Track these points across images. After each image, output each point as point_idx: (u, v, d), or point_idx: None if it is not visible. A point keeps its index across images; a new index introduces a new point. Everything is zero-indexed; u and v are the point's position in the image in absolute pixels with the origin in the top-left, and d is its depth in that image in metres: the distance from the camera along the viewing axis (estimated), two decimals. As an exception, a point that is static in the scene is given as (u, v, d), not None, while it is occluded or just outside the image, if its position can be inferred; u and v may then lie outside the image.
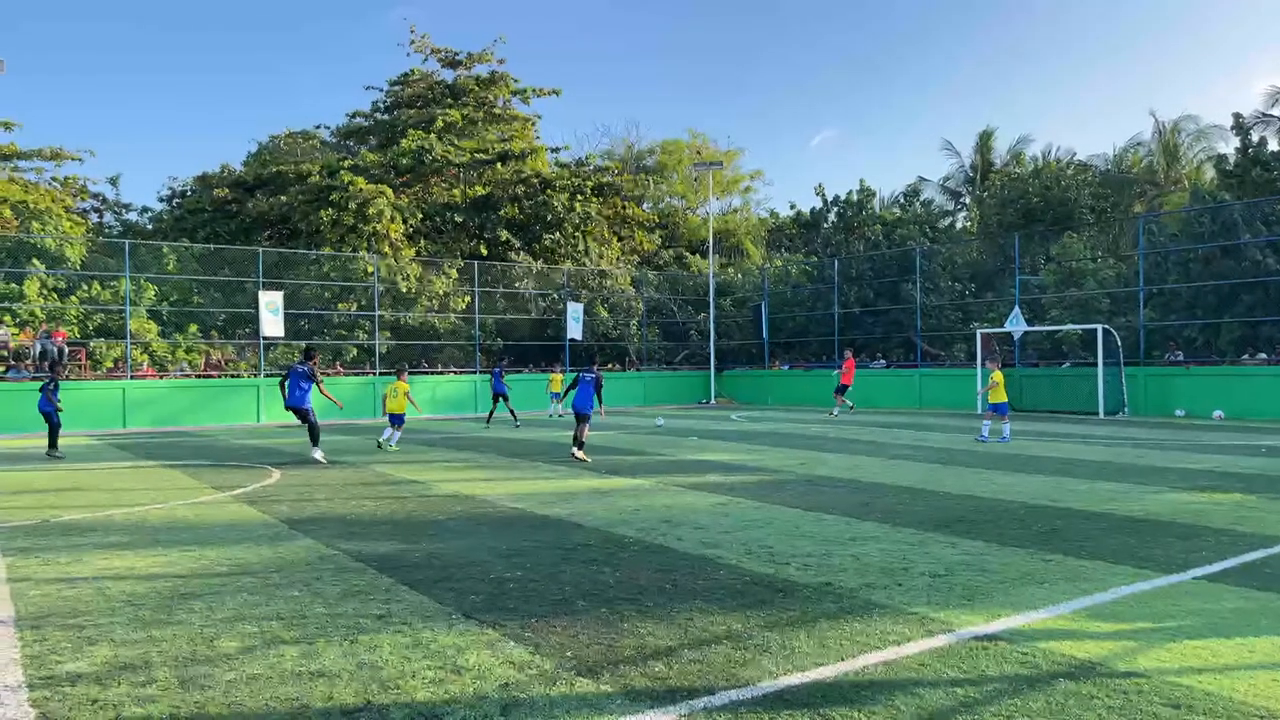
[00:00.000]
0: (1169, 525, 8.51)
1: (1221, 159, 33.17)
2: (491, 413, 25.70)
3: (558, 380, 27.86)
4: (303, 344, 31.77)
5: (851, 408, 28.29)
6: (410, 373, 33.08)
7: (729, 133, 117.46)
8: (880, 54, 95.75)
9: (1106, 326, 26.13)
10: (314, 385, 15.72)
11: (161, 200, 46.20)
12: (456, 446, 18.49)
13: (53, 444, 17.74)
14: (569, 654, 4.88)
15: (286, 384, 15.66)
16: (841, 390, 27.58)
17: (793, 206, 47.82)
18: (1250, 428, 20.89)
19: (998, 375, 17.72)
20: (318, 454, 15.56)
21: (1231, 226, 27.12)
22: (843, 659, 4.76)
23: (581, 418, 15.23)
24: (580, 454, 14.92)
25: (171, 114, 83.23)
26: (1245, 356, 26.12)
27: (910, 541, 7.86)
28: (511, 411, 25.03)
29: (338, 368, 32.46)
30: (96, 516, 9.84)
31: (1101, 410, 25.25)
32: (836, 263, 36.83)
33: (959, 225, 45.65)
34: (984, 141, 46.64)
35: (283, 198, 38.34)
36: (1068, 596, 5.97)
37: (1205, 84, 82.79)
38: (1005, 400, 17.60)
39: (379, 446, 17.64)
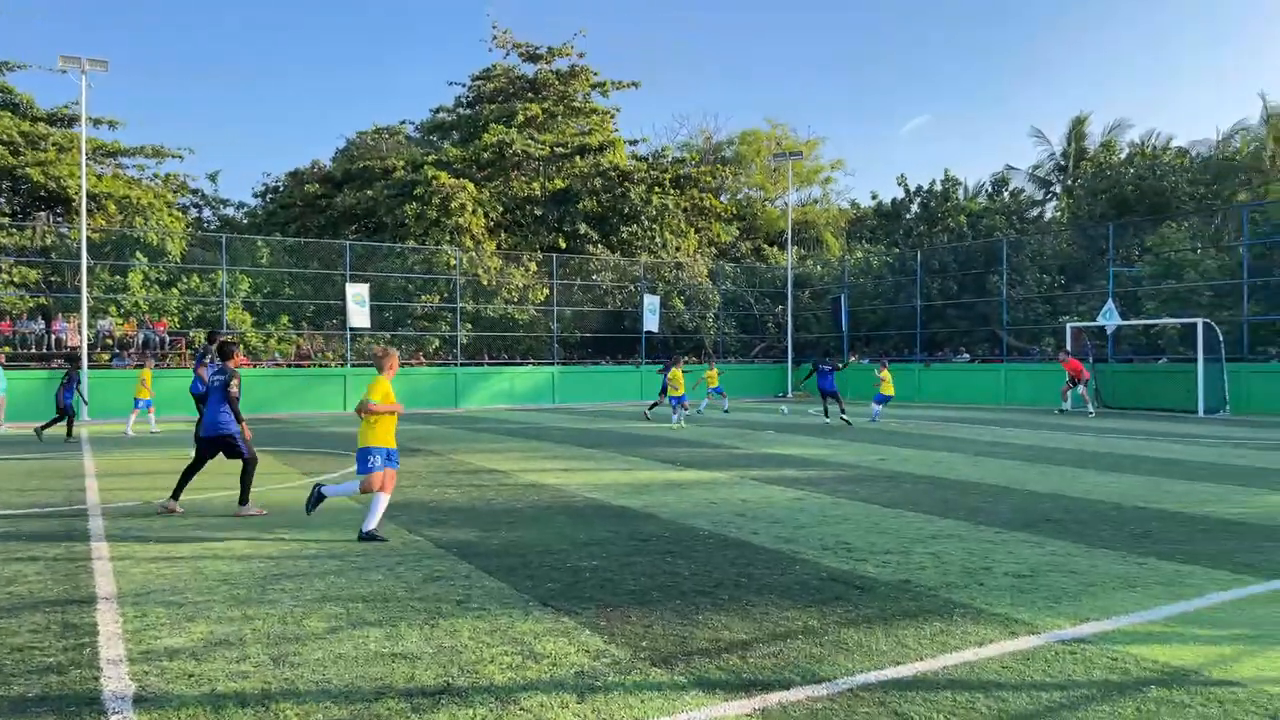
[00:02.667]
0: (1271, 529, 8.10)
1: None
2: (655, 404, 25.49)
3: (714, 376, 27.35)
4: (387, 335, 32.68)
5: (1090, 411, 24.76)
6: (490, 363, 33.73)
7: (811, 122, 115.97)
8: (972, 39, 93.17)
9: (1207, 320, 24.95)
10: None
11: (256, 196, 47.96)
12: (534, 437, 18.74)
13: (47, 427, 18.91)
14: (643, 644, 4.91)
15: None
16: (1076, 383, 24.57)
17: (874, 197, 46.95)
18: (1365, 428, 19.69)
19: (885, 373, 21.33)
20: None
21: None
22: (922, 658, 4.68)
23: (831, 395, 21.03)
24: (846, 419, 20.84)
25: (267, 112, 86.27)
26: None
27: (993, 541, 7.67)
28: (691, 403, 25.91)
29: (419, 358, 33.24)
30: (194, 499, 10.29)
31: (1201, 409, 24.14)
32: (919, 254, 36.04)
33: (1048, 215, 44.14)
34: (1077, 128, 44.84)
35: (369, 192, 39.37)
36: (1161, 601, 5.74)
37: (1319, 64, 78.01)
38: (891, 394, 21.65)
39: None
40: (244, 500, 9.16)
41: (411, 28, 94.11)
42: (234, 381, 9.14)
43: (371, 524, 7.71)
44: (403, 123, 50.37)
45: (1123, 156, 39.82)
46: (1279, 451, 14.88)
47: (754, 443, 16.91)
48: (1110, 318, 27.55)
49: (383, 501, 7.81)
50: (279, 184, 46.34)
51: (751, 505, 9.56)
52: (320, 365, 31.26)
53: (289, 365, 30.56)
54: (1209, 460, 13.66)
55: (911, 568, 6.68)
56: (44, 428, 18.94)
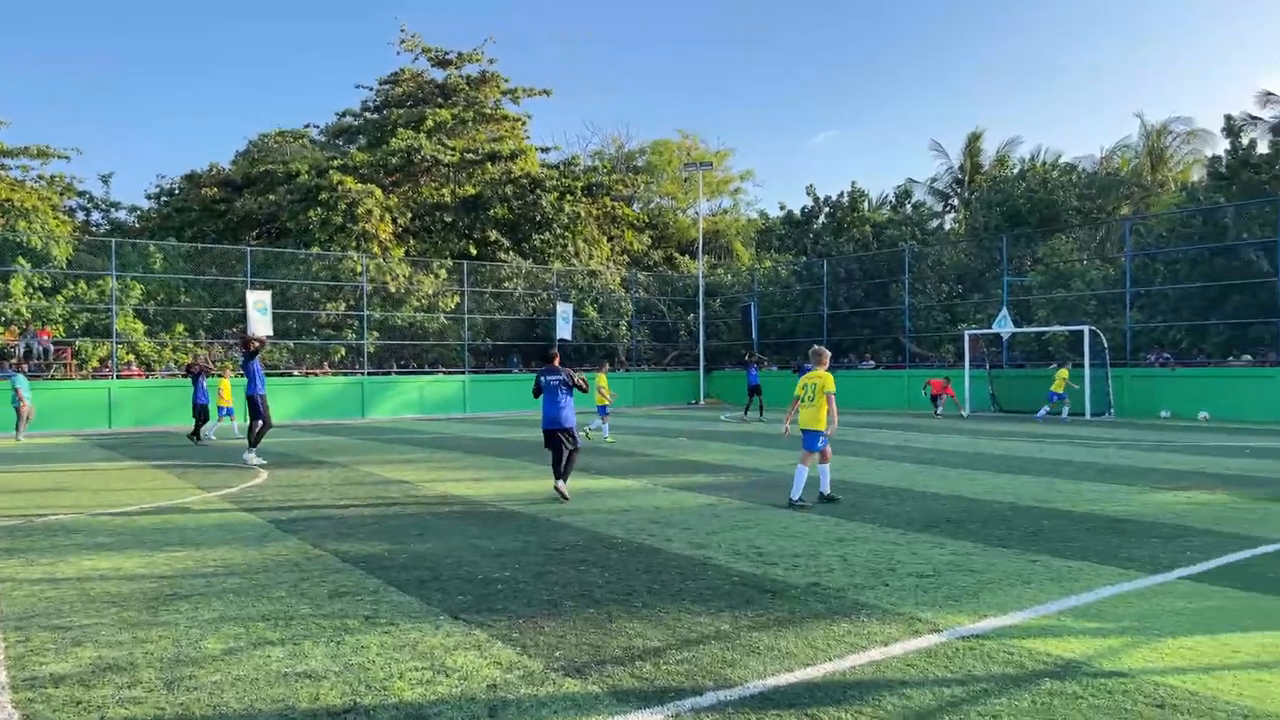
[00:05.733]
0: (1153, 526, 8.56)
1: (1215, 160, 33.05)
2: (748, 406, 27.37)
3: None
4: (291, 344, 31.70)
5: (936, 414, 27.54)
6: (398, 372, 33.08)
7: (721, 133, 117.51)
8: (878, 56, 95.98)
9: (1093, 328, 26.26)
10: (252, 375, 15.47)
11: (149, 199, 45.90)
12: (445, 447, 18.43)
13: (195, 433, 20.89)
14: (557, 654, 4.88)
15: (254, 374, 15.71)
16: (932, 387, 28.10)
17: (783, 207, 47.82)
18: (1234, 429, 21.03)
19: (1064, 372, 24.75)
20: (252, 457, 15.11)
21: (1223, 229, 27.31)
22: (830, 659, 4.77)
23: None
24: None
25: (163, 112, 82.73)
26: (1230, 358, 26.28)
27: (898, 542, 7.88)
28: (760, 406, 27.02)
29: (325, 367, 32.32)
30: (81, 517, 9.77)
31: (1088, 411, 25.38)
32: (826, 263, 36.89)
33: (947, 227, 45.76)
34: (972, 143, 46.76)
35: (271, 197, 38.12)
36: (1053, 596, 6.00)
37: (1198, 86, 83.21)
38: (1061, 390, 24.30)
39: (587, 437, 17.42)
40: (563, 478, 10.58)
41: (317, 29, 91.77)
42: (576, 378, 10.70)
43: (799, 492, 9.77)
44: (307, 126, 49.07)
45: (1015, 171, 41.60)
46: (1160, 452, 15.75)
47: (667, 449, 17.01)
48: (1004, 325, 28.72)
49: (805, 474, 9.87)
50: (174, 187, 44.50)
51: (664, 512, 9.61)
52: (218, 375, 30.05)
53: (184, 376, 29.28)
54: (1094, 460, 14.36)
55: (820, 570, 6.81)
56: (194, 434, 20.75)
